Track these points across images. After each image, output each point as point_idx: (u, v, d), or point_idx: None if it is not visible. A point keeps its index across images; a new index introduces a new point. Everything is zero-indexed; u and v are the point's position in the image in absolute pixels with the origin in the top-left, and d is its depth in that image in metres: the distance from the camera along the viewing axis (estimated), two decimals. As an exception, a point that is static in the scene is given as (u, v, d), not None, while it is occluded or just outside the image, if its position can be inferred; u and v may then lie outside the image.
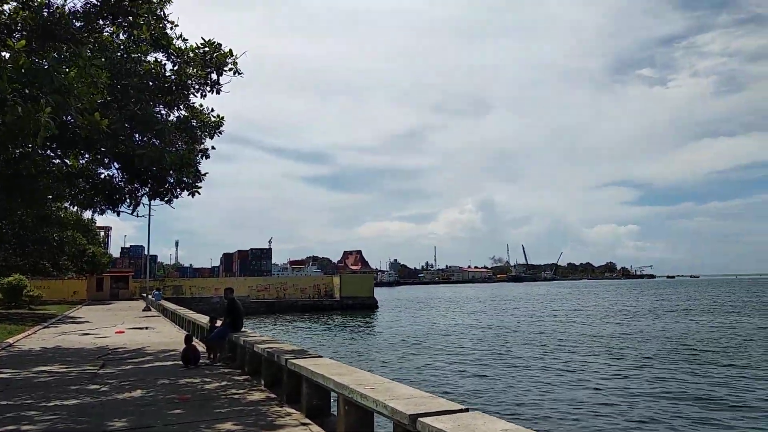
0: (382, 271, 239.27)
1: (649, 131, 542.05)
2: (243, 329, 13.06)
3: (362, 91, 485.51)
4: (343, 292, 61.83)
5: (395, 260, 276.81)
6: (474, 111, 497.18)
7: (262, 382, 9.95)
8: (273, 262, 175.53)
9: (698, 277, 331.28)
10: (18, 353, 15.53)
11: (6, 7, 10.46)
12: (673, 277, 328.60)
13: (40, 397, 9.06)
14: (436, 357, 24.77)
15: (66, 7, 11.30)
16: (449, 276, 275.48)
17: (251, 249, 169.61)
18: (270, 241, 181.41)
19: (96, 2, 11.40)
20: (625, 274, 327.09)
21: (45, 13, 10.67)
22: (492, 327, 39.23)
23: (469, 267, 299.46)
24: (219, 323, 13.30)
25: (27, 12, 10.41)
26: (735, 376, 19.11)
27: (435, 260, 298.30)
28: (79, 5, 11.45)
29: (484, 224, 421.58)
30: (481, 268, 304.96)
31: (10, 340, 17.99)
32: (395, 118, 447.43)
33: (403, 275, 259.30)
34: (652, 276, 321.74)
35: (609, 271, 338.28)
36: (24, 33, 10.14)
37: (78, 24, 11.31)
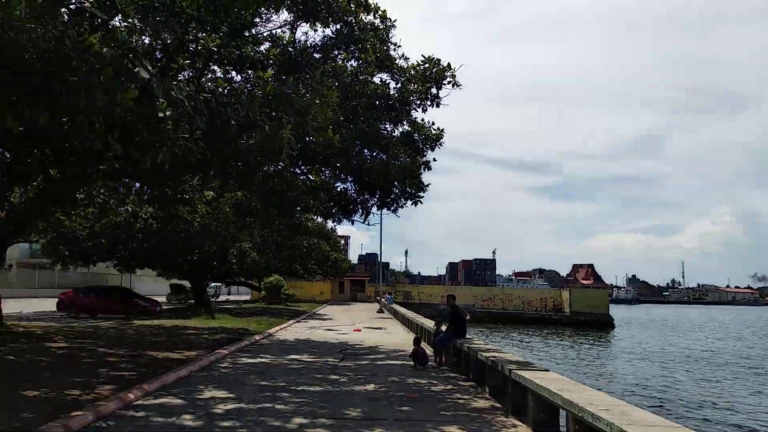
0: (618, 288, 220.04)
1: None
2: (467, 336, 13.07)
3: (581, 97, 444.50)
4: (573, 307, 58.51)
5: (634, 276, 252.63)
6: (722, 108, 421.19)
7: (487, 390, 9.77)
8: (497, 272, 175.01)
9: None
10: (276, 342, 18.00)
11: (262, 47, 12.57)
12: None
13: (291, 382, 10.27)
14: (683, 384, 21.65)
15: (308, 42, 12.96)
16: (702, 296, 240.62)
17: (475, 259, 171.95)
18: (494, 252, 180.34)
19: (332, 35, 12.83)
20: None
21: (291, 50, 12.40)
22: (760, 357, 32.91)
23: (727, 287, 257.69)
24: (444, 328, 13.54)
25: (278, 49, 12.26)
26: None
27: (683, 277, 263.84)
28: (318, 39, 13.03)
29: (745, 237, 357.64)
30: (744, 288, 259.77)
31: (271, 331, 20.98)
32: (623, 121, 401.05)
33: (644, 293, 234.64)
34: None
35: None
36: (275, 67, 11.89)
37: (317, 56, 12.84)
